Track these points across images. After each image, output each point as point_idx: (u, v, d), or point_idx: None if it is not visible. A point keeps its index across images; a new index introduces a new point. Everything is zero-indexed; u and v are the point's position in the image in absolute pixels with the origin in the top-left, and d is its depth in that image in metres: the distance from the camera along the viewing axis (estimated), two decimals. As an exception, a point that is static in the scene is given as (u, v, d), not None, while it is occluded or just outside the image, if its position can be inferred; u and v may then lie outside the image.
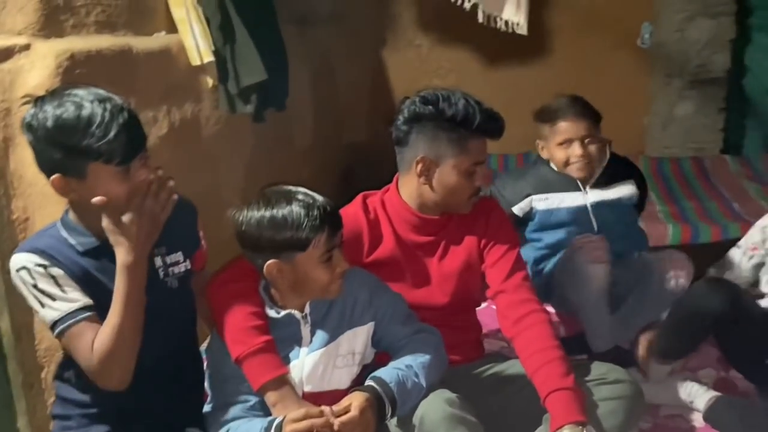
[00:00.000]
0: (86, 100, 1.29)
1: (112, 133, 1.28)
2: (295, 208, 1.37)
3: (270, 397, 1.40)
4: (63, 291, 1.34)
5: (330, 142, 3.74)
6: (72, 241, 1.39)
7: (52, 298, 1.34)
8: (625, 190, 2.18)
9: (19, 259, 1.36)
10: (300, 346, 1.47)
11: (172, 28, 2.31)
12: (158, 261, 1.46)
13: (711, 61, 3.79)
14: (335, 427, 1.31)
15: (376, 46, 4.19)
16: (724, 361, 2.06)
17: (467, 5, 2.17)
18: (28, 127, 1.32)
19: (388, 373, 1.42)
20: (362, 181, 3.77)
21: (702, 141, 3.93)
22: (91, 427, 1.46)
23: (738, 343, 1.83)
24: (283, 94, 2.79)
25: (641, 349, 2.01)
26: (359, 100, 4.11)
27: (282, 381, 1.41)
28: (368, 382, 1.40)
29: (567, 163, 2.11)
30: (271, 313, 1.47)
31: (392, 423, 1.44)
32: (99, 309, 1.36)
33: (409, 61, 4.18)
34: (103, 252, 1.38)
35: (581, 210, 2.14)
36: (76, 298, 1.35)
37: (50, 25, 1.81)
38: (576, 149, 2.07)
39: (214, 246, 1.68)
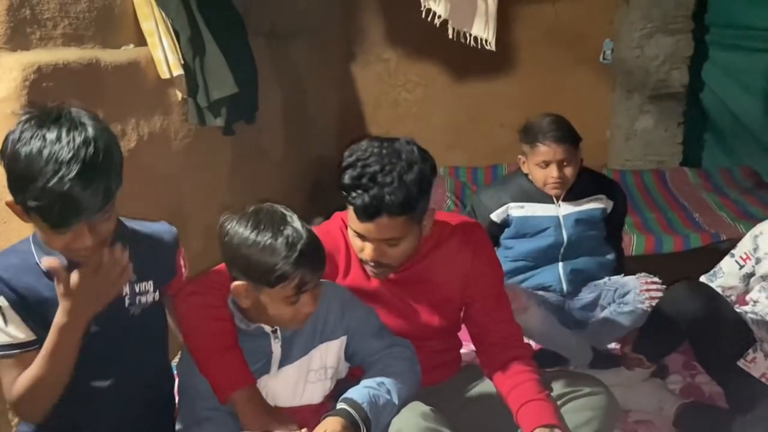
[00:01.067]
0: (47, 149, 1.18)
1: (46, 200, 1.18)
2: (278, 244, 1.31)
3: (238, 405, 1.38)
4: (5, 322, 1.32)
5: (300, 155, 3.74)
6: (38, 258, 1.35)
7: None
8: (594, 204, 2.26)
9: None
10: (271, 360, 1.45)
11: (140, 41, 2.29)
12: (125, 288, 1.41)
13: (670, 77, 3.91)
14: None
15: (345, 60, 4.21)
16: (690, 367, 2.11)
17: (437, 21, 2.20)
18: (3, 142, 1.27)
19: (359, 393, 1.40)
20: (332, 194, 3.80)
21: (662, 154, 4.05)
22: None
23: (710, 345, 1.88)
24: (252, 107, 2.78)
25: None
26: (328, 113, 4.12)
27: (249, 390, 1.39)
28: (340, 405, 1.38)
29: (544, 183, 2.19)
30: (241, 325, 1.44)
31: None
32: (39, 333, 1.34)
33: (377, 74, 4.22)
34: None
35: (553, 220, 2.22)
36: (13, 333, 1.32)
37: (16, 37, 1.78)
38: (553, 171, 2.15)
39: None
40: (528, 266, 2.27)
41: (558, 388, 1.55)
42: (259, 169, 3.20)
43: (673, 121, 4.01)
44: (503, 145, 4.15)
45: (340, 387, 1.50)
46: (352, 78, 4.24)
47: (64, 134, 1.20)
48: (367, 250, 1.50)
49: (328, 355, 1.49)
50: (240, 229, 1.34)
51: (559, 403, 1.51)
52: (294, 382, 1.45)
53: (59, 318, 1.28)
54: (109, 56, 2.08)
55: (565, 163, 2.15)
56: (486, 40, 2.22)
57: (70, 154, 1.18)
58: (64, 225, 1.22)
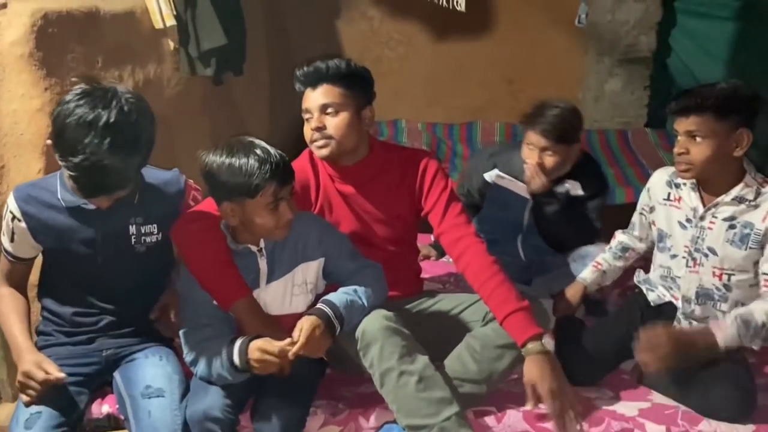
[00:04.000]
0: (92, 129, 1.44)
1: (81, 172, 1.48)
2: (251, 160, 1.56)
3: (238, 313, 1.63)
4: (11, 240, 1.64)
5: (284, 107, 3.88)
6: (60, 195, 1.61)
7: (7, 236, 1.66)
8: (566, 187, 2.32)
9: (10, 197, 1.62)
10: (259, 276, 1.70)
11: (136, -9, 2.43)
12: (132, 229, 1.68)
13: (639, 42, 4.09)
14: (290, 356, 1.54)
15: (330, 17, 4.32)
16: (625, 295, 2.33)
17: (409, -19, 2.35)
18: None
19: (336, 296, 1.66)
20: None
21: (628, 115, 4.25)
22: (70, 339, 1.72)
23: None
24: (240, 59, 2.94)
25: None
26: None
27: (248, 299, 1.64)
28: (319, 305, 1.63)
29: (524, 163, 2.28)
30: (231, 245, 1.68)
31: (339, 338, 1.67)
32: (58, 253, 1.65)
33: (361, 32, 4.32)
34: (81, 212, 1.62)
35: (522, 201, 2.36)
36: (13, 250, 1.66)
37: (25, -15, 1.93)
38: (533, 156, 2.24)
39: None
40: (492, 234, 2.36)
41: None
42: (245, 120, 3.37)
43: (640, 85, 4.21)
44: (480, 103, 4.33)
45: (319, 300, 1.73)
46: (338, 35, 4.36)
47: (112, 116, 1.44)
48: (312, 122, 1.79)
49: (308, 272, 1.75)
50: (217, 158, 1.59)
51: None
52: (281, 295, 1.72)
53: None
54: (107, 5, 2.23)
55: (548, 153, 2.22)
56: (456, 1, 2.38)
57: (108, 138, 1.43)
58: (94, 196, 1.54)
